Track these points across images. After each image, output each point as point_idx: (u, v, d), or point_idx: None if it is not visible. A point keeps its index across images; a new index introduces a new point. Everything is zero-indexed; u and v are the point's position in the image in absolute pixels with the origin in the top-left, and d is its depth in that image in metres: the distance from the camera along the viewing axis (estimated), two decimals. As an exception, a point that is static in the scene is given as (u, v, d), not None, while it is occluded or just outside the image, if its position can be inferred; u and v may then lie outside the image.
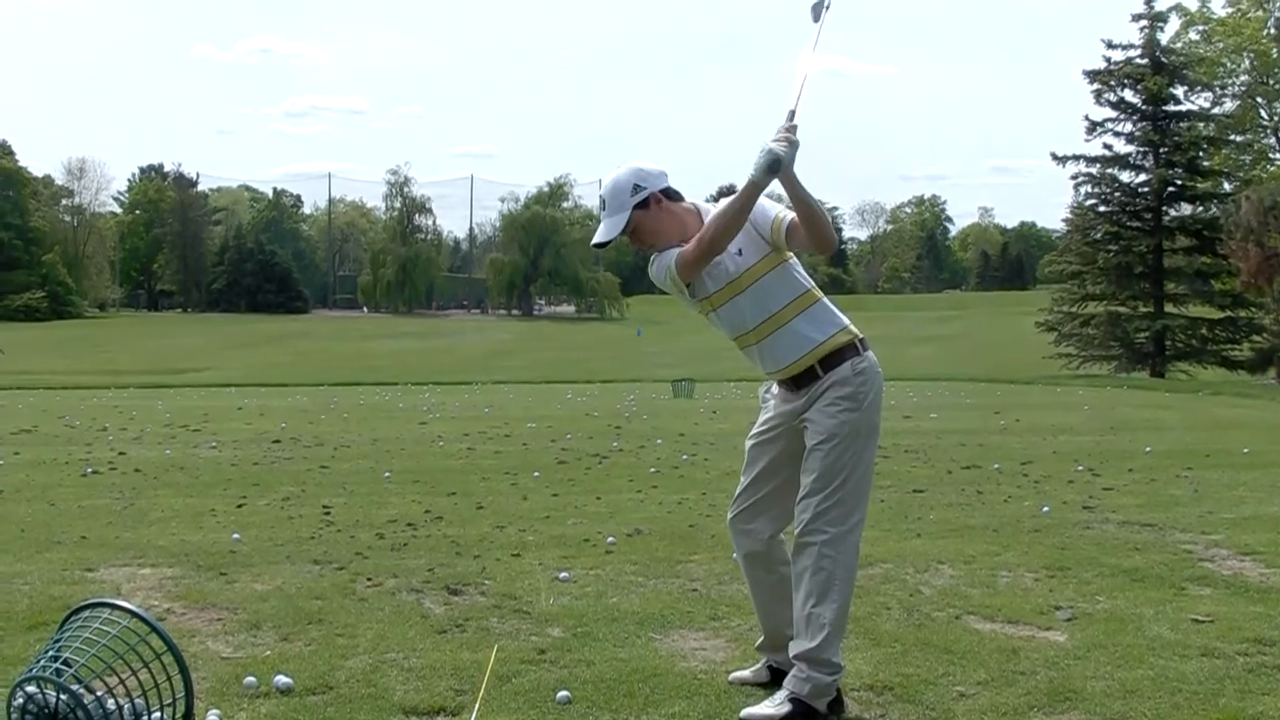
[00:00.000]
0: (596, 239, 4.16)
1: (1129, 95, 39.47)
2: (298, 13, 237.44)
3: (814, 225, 3.90)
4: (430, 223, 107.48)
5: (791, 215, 3.96)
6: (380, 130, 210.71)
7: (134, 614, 3.54)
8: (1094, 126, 39.52)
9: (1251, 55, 47.94)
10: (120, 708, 3.40)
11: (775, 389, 4.19)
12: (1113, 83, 39.31)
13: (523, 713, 3.88)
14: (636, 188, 4.06)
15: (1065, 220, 42.62)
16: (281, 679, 4.11)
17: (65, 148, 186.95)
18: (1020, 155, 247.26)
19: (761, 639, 4.29)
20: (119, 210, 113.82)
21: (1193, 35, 48.09)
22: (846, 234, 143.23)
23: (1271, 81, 48.67)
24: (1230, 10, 48.61)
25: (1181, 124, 39.25)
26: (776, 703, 3.87)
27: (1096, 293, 38.75)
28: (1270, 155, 48.91)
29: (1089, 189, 39.66)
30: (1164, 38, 40.92)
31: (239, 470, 10.49)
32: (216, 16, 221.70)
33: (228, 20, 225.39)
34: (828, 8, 4.16)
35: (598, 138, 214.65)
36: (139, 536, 7.06)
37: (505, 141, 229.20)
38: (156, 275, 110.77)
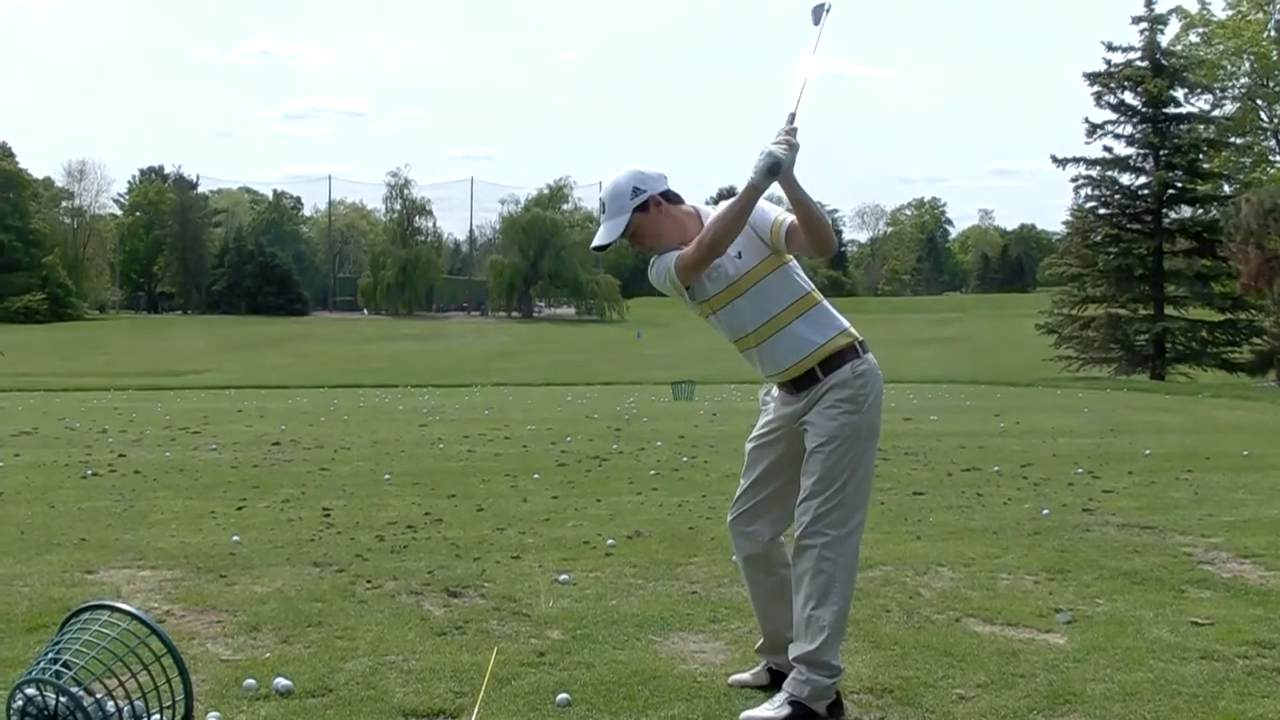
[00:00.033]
0: (596, 242, 4.16)
1: (1129, 98, 39.54)
2: (298, 15, 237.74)
3: (813, 228, 3.90)
4: (430, 225, 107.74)
5: (791, 218, 3.96)
6: (380, 132, 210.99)
7: (134, 616, 3.54)
8: (1094, 129, 39.60)
9: (1252, 58, 47.95)
10: (120, 710, 3.40)
11: (775, 391, 4.19)
12: (1113, 85, 39.37)
13: (522, 715, 3.88)
14: (636, 190, 4.06)
15: (1065, 223, 42.73)
16: (281, 681, 4.11)
17: (65, 150, 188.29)
18: (1020, 158, 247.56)
19: (761, 641, 4.29)
20: (119, 212, 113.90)
21: (1193, 38, 48.12)
22: (846, 236, 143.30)
23: (1272, 84, 48.67)
24: (1230, 13, 48.64)
25: (1182, 126, 39.31)
26: (776, 705, 3.87)
27: (1096, 295, 38.81)
28: (1270, 158, 48.93)
29: (1089, 191, 39.77)
30: (1164, 40, 41.04)
31: (239, 472, 10.49)
32: (217, 18, 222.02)
33: (228, 22, 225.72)
34: (828, 11, 4.16)
35: (598, 140, 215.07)
36: (139, 539, 7.06)
37: (505, 144, 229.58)
38: (156, 277, 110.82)
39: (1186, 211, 39.27)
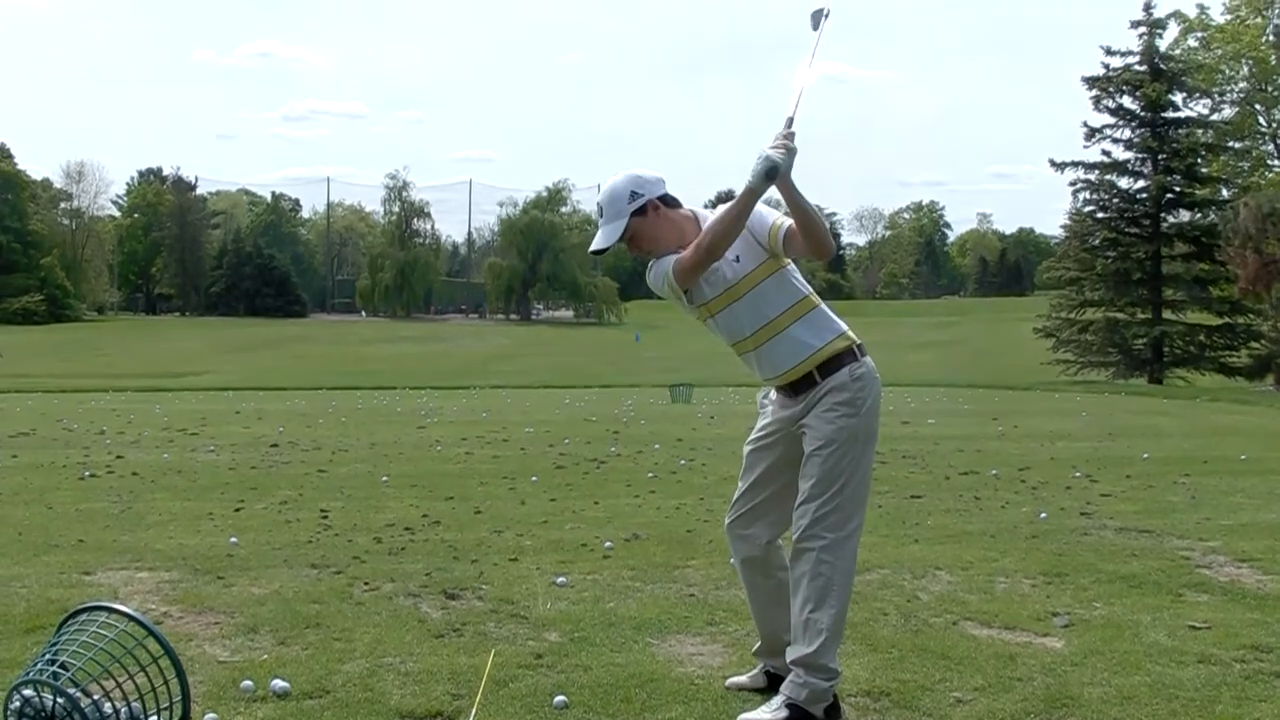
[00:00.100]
0: (594, 246, 4.16)
1: (1128, 102, 39.58)
2: (298, 17, 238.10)
3: (811, 232, 3.90)
4: (429, 227, 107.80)
5: (789, 222, 3.96)
6: (379, 135, 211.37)
7: (131, 617, 3.54)
8: (1093, 133, 39.64)
9: (1250, 62, 47.99)
10: (117, 711, 3.40)
11: (773, 395, 4.19)
12: (1112, 89, 39.41)
13: (519, 717, 3.88)
14: (634, 194, 4.07)
15: (1064, 226, 42.81)
16: (278, 683, 4.11)
17: (64, 151, 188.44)
18: (1019, 161, 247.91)
19: (759, 644, 4.30)
20: (117, 214, 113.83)
21: (1191, 42, 48.15)
22: (845, 239, 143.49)
23: (1270, 88, 48.73)
24: (1229, 17, 48.71)
25: (1180, 130, 39.36)
26: (774, 708, 3.87)
27: (1095, 299, 38.85)
28: (1269, 162, 48.96)
29: (1087, 195, 39.80)
30: (1163, 44, 41.07)
31: (237, 474, 10.49)
32: (217, 21, 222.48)
33: (228, 24, 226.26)
34: (827, 16, 4.17)
35: (596, 143, 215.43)
36: (136, 540, 7.06)
37: (504, 146, 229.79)
38: (155, 279, 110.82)
39: (1185, 215, 39.33)
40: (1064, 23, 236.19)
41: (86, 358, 49.29)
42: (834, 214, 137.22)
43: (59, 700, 3.32)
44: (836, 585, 3.89)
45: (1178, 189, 38.71)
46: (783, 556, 4.17)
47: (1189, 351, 37.22)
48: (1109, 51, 39.40)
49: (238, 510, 8.32)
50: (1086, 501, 8.86)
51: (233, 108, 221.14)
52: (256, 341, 62.57)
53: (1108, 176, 39.41)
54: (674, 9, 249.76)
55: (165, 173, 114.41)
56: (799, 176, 3.81)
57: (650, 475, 10.50)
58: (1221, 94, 47.62)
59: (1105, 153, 39.64)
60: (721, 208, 3.98)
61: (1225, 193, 41.05)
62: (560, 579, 5.92)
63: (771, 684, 4.12)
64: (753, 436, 4.23)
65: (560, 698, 4.00)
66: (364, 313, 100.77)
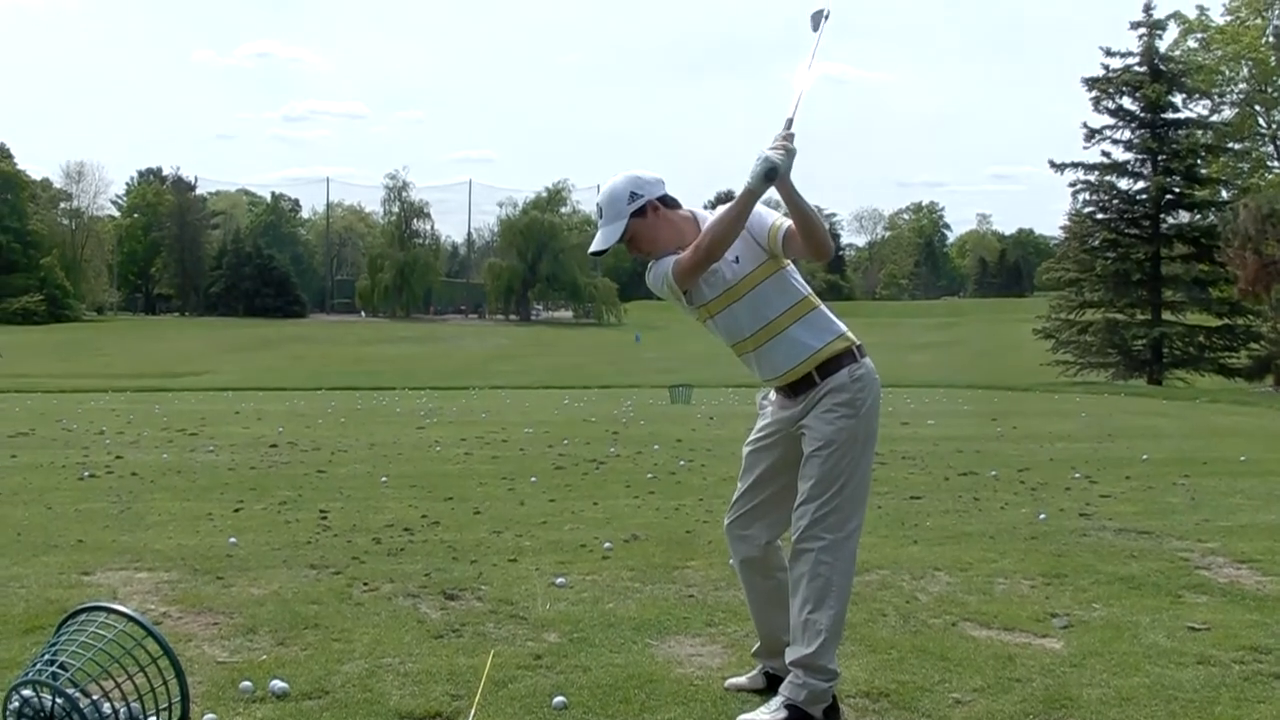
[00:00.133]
0: (594, 247, 4.16)
1: (1127, 103, 39.57)
2: (298, 17, 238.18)
3: (810, 233, 3.90)
4: (428, 227, 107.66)
5: (788, 223, 3.96)
6: (379, 135, 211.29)
7: (130, 618, 3.54)
8: (1092, 134, 39.62)
9: (1250, 63, 48.05)
10: (116, 712, 3.40)
11: (773, 395, 4.19)
12: (1111, 90, 39.39)
13: (518, 718, 3.88)
14: (633, 195, 4.07)
15: (1063, 227, 42.76)
16: (277, 684, 4.11)
17: (64, 151, 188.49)
18: (1018, 162, 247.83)
19: (758, 645, 4.30)
20: (117, 214, 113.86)
21: (1191, 43, 48.22)
22: (844, 240, 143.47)
23: (1270, 89, 48.78)
24: (1229, 18, 48.76)
25: (1180, 131, 39.35)
26: (772, 709, 3.87)
27: (1094, 300, 38.84)
28: (1268, 163, 49.03)
29: (1087, 196, 39.78)
30: (1163, 45, 41.03)
31: (236, 474, 10.49)
32: (216, 21, 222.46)
33: (228, 25, 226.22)
34: (827, 17, 4.17)
35: (596, 143, 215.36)
36: (136, 540, 7.06)
37: (504, 147, 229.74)
38: (154, 279, 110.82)
39: (1184, 217, 39.30)
40: (1064, 24, 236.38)
41: (86, 358, 49.28)
42: (833, 215, 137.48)
43: (58, 700, 3.32)
44: (835, 586, 3.89)
45: (1177, 190, 38.70)
46: (782, 557, 4.17)
47: (1188, 352, 37.22)
48: (1109, 52, 39.41)
49: (237, 510, 8.32)
50: (1086, 503, 8.86)
51: (232, 108, 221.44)
52: (256, 342, 62.55)
53: (1107, 177, 39.40)
54: (674, 9, 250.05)
55: (165, 173, 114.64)
56: (798, 177, 3.82)
57: (649, 476, 10.50)
58: (1221, 95, 47.70)
59: (1105, 154, 39.65)
60: (721, 209, 3.98)
61: (1225, 194, 41.07)
62: (559, 580, 5.92)
63: (770, 685, 4.12)
64: (752, 437, 4.23)
65: (559, 698, 4.00)
66: (363, 313, 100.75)
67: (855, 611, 4.94)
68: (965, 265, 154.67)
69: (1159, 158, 38.66)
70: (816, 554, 3.88)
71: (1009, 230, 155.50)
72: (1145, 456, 12.24)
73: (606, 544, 6.94)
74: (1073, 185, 39.66)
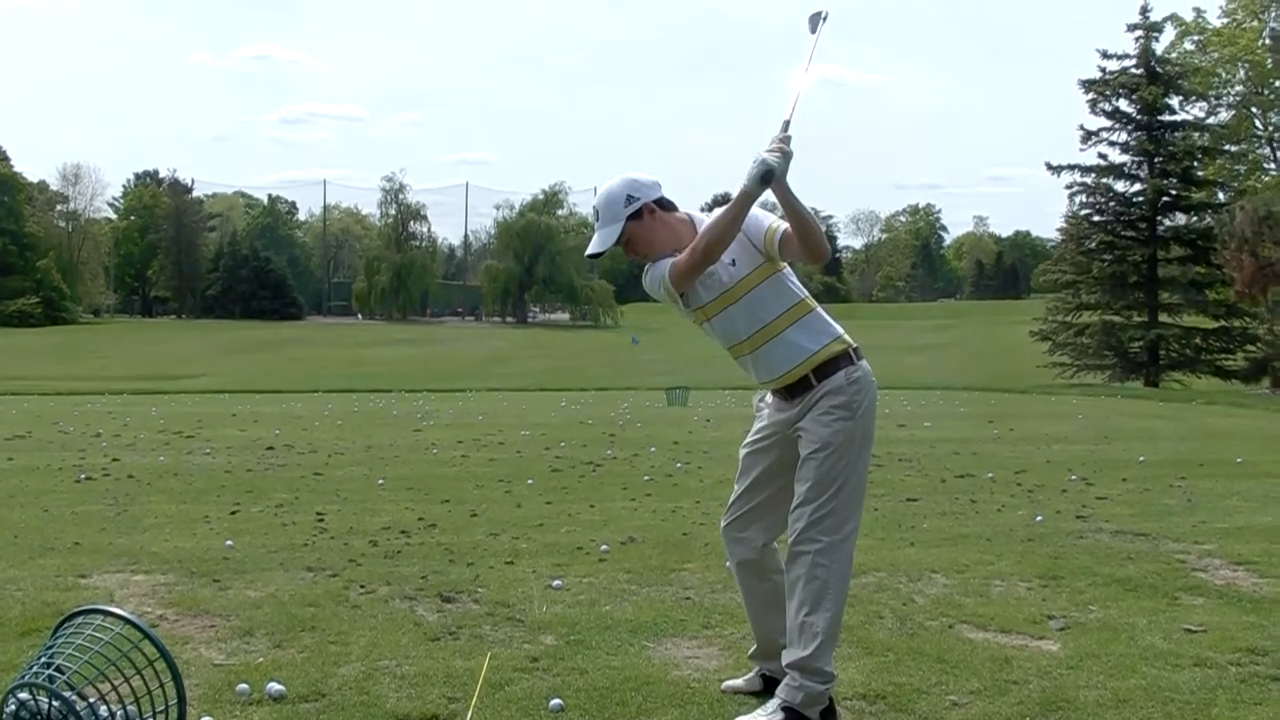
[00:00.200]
0: (590, 250, 4.16)
1: (1124, 105, 39.59)
2: (295, 20, 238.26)
3: (807, 235, 3.91)
4: (425, 230, 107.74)
5: (785, 225, 3.97)
6: (376, 137, 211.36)
7: (127, 620, 3.54)
8: (1089, 136, 39.63)
9: (1246, 65, 48.11)
10: (113, 714, 3.40)
11: (769, 398, 4.20)
12: (1108, 92, 39.41)
13: (515, 721, 3.88)
14: (630, 198, 4.07)
15: (1060, 230, 42.75)
16: (274, 686, 4.11)
17: (60, 153, 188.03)
18: (1015, 164, 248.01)
19: (754, 647, 4.30)
20: (114, 216, 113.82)
21: (1188, 45, 48.28)
22: (841, 243, 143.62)
23: (1266, 91, 48.85)
24: (1225, 20, 48.83)
25: (1176, 134, 39.39)
26: (769, 711, 3.87)
27: (1091, 302, 38.84)
28: (1265, 165, 49.10)
29: (1084, 198, 39.79)
30: (1159, 48, 41.08)
31: (232, 477, 10.48)
32: (214, 23, 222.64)
33: (224, 27, 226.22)
34: (825, 20, 4.17)
35: (593, 146, 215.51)
36: (132, 543, 7.05)
37: (501, 149, 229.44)
38: (151, 281, 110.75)
39: (1181, 219, 39.32)
40: (1060, 26, 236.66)
41: (82, 360, 49.26)
42: (830, 217, 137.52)
43: (55, 703, 3.31)
44: (832, 588, 3.89)
45: (1174, 192, 38.73)
46: (778, 560, 4.17)
47: (1185, 354, 37.24)
48: (1105, 55, 39.42)
49: (233, 513, 8.32)
50: (1082, 504, 8.87)
51: (229, 110, 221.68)
52: (252, 344, 62.54)
53: (1104, 180, 39.41)
54: (672, 11, 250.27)
55: (162, 175, 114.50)
56: (795, 180, 3.82)
57: (646, 478, 10.50)
58: (1218, 97, 47.77)
59: (1101, 156, 39.67)
60: (717, 211, 3.99)
61: (1221, 196, 41.03)
62: (556, 582, 5.92)
63: (767, 687, 4.12)
64: (749, 440, 4.23)
65: (556, 701, 4.00)
66: (360, 315, 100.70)
67: (852, 614, 4.94)
68: (962, 267, 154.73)
69: (1156, 160, 38.69)
70: (813, 556, 3.89)
71: (1006, 232, 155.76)
72: (1142, 458, 12.25)
73: (603, 546, 6.94)
74: (1069, 187, 39.71)
